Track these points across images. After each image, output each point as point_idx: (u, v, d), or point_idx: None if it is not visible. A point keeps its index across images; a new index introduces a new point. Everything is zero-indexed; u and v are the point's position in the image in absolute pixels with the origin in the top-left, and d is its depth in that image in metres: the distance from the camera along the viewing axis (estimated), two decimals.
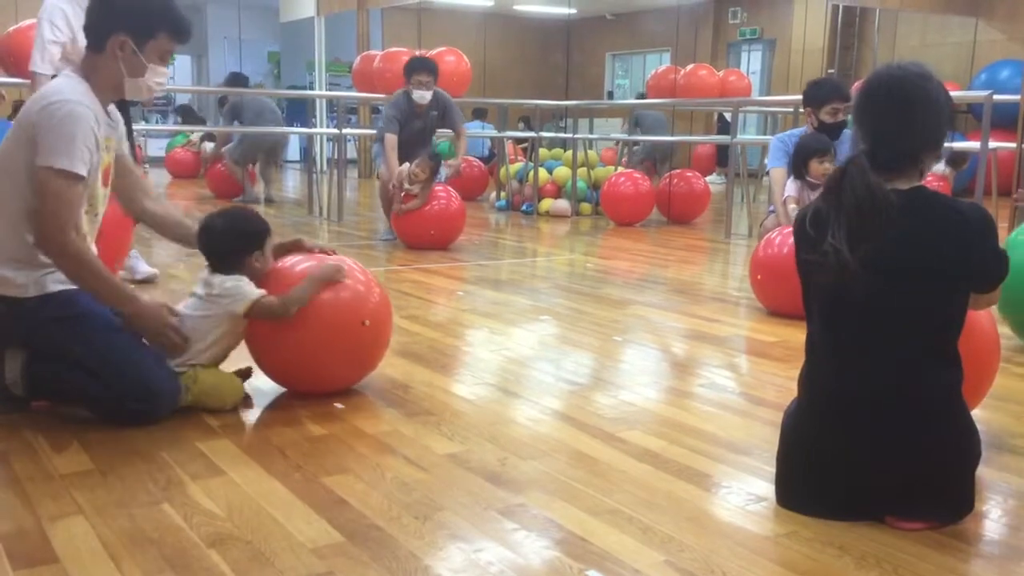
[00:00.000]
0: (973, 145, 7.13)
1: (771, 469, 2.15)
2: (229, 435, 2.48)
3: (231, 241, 2.69)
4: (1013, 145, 6.49)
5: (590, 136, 10.39)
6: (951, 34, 12.95)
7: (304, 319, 2.65)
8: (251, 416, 2.69)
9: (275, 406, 2.76)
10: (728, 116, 11.18)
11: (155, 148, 14.14)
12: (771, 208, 4.88)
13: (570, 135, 9.18)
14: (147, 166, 10.34)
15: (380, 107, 8.01)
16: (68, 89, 2.52)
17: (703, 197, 8.42)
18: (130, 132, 4.06)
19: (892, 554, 1.84)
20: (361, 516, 1.97)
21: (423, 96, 6.43)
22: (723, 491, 2.16)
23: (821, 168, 4.39)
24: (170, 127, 15.08)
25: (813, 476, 2.02)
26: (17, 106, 7.63)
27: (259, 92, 12.06)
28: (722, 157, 12.47)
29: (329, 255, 2.83)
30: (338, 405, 2.73)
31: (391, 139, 6.35)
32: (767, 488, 2.13)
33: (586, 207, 8.80)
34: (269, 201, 9.51)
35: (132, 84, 2.60)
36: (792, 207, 4.40)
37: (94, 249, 2.63)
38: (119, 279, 2.75)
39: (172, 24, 2.61)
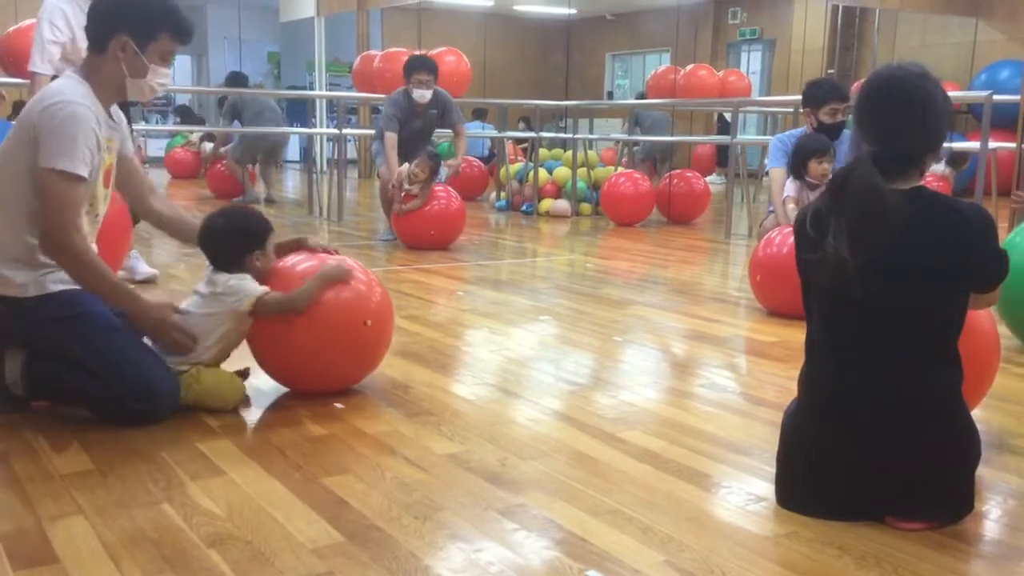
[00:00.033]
0: (973, 145, 7.14)
1: (771, 469, 2.15)
2: (229, 435, 2.48)
3: (232, 240, 2.70)
4: (1013, 145, 6.48)
5: (590, 136, 10.38)
6: (951, 34, 12.95)
7: (307, 319, 2.66)
8: (251, 416, 2.69)
9: (275, 406, 2.76)
10: (728, 116, 11.18)
11: (155, 148, 14.15)
12: (771, 208, 4.88)
13: (570, 135, 9.18)
14: (147, 166, 10.32)
15: (380, 107, 7.99)
16: (69, 90, 2.52)
17: (703, 197, 8.43)
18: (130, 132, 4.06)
19: (892, 554, 1.84)
20: (361, 516, 1.98)
21: (423, 95, 6.42)
22: (723, 491, 2.16)
23: (820, 168, 4.40)
24: (170, 127, 15.08)
25: (813, 476, 2.02)
26: (17, 106, 7.63)
27: (259, 92, 12.06)
28: (722, 157, 12.47)
29: (331, 255, 2.83)
30: (338, 405, 2.73)
31: (391, 137, 6.34)
32: (767, 488, 2.13)
33: (586, 207, 8.80)
34: (269, 201, 9.50)
35: (134, 85, 2.61)
36: (791, 207, 4.41)
37: (95, 249, 2.63)
38: (121, 279, 2.76)
39: (174, 25, 2.61)
